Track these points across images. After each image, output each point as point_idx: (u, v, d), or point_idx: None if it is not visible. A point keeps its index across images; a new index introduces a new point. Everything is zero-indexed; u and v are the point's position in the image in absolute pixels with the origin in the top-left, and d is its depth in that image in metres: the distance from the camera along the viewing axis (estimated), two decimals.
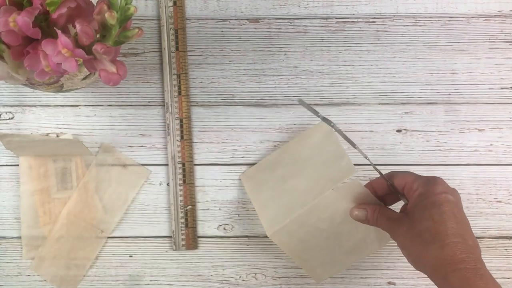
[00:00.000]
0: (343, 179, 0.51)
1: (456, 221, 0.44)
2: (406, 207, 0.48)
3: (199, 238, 0.59)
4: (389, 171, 0.59)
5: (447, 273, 0.42)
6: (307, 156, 0.56)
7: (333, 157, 0.53)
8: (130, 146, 0.59)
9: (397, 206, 0.50)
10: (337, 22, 0.59)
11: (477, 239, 0.45)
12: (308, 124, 0.59)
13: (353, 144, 0.50)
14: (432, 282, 0.43)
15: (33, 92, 0.58)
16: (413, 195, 0.47)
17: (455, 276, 0.42)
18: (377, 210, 0.49)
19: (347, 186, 0.50)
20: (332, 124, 0.50)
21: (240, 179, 0.59)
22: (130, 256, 0.59)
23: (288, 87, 0.59)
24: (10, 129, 0.59)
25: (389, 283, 0.59)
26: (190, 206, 0.59)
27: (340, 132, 0.50)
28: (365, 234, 0.54)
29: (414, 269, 0.45)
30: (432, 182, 0.46)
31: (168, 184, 0.59)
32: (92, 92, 0.59)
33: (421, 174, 0.48)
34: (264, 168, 0.58)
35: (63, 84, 0.52)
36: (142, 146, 0.59)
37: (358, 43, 0.59)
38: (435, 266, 0.43)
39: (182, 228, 0.59)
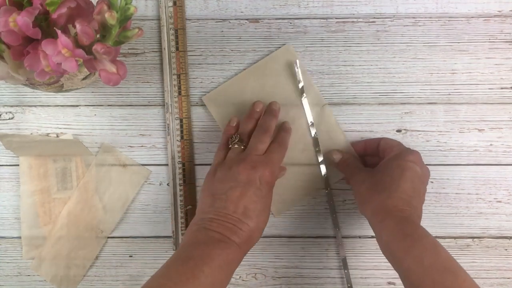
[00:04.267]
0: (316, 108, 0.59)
1: (412, 186, 0.49)
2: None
3: None
4: None
5: (384, 218, 0.47)
6: (274, 81, 0.58)
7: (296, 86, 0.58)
8: (130, 146, 0.59)
9: None
10: (337, 22, 0.59)
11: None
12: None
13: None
14: None
15: (33, 92, 0.58)
16: (388, 155, 0.53)
17: (390, 220, 0.47)
18: (350, 158, 0.56)
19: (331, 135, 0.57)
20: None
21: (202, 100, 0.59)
22: (130, 256, 0.59)
23: None
24: (10, 129, 0.59)
25: (389, 283, 0.59)
26: (190, 206, 0.59)
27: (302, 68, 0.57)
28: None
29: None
30: (408, 151, 0.52)
31: (168, 184, 0.59)
32: (92, 92, 0.59)
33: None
34: (229, 91, 0.58)
35: (63, 84, 0.52)
36: (142, 146, 0.59)
37: (358, 43, 0.59)
38: (376, 210, 0.49)
39: (182, 228, 0.59)
